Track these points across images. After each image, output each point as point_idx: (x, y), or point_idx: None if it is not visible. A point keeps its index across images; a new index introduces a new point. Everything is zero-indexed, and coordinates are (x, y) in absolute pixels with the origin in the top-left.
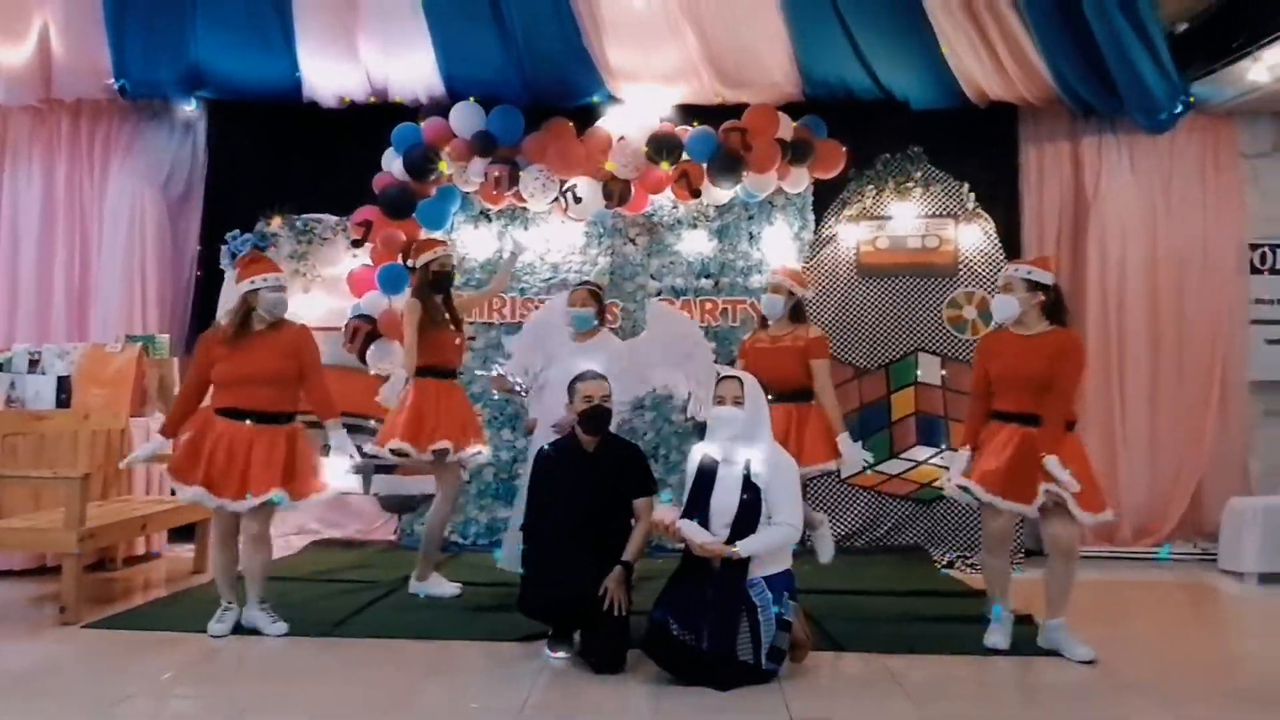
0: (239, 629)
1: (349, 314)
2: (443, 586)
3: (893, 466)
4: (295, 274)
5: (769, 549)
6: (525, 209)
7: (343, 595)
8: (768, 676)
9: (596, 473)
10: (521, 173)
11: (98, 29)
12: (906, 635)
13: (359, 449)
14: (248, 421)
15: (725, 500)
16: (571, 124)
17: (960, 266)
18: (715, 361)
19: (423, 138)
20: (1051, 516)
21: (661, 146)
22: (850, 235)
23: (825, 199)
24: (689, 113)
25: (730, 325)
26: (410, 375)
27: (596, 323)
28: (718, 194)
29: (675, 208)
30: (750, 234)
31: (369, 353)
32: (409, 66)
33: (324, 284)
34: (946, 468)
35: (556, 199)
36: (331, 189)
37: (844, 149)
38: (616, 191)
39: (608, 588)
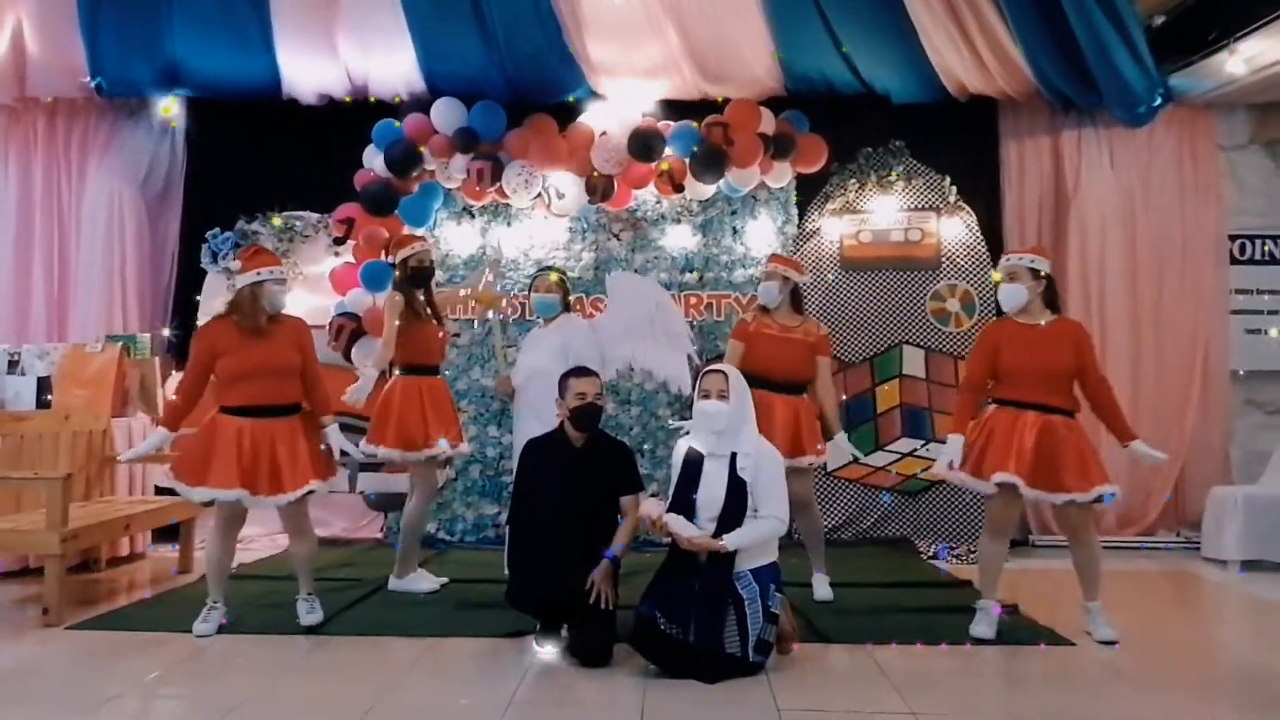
0: (220, 629)
1: (332, 312)
2: (420, 583)
3: (878, 459)
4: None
5: (755, 542)
6: (508, 205)
7: (328, 593)
8: (755, 669)
9: (584, 469)
10: (504, 169)
11: (72, 26)
12: (893, 626)
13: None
14: (266, 418)
15: (711, 494)
16: (554, 120)
17: (943, 259)
18: (700, 355)
19: (404, 134)
20: (1065, 506)
21: (646, 144)
22: (833, 229)
23: (808, 193)
24: (671, 108)
25: (715, 320)
26: (383, 369)
27: (561, 309)
28: (701, 189)
29: (659, 203)
30: (734, 229)
31: (354, 350)
32: (389, 63)
33: (306, 282)
34: (932, 460)
35: (539, 195)
36: (313, 186)
37: (826, 143)
38: (599, 187)
39: (594, 582)
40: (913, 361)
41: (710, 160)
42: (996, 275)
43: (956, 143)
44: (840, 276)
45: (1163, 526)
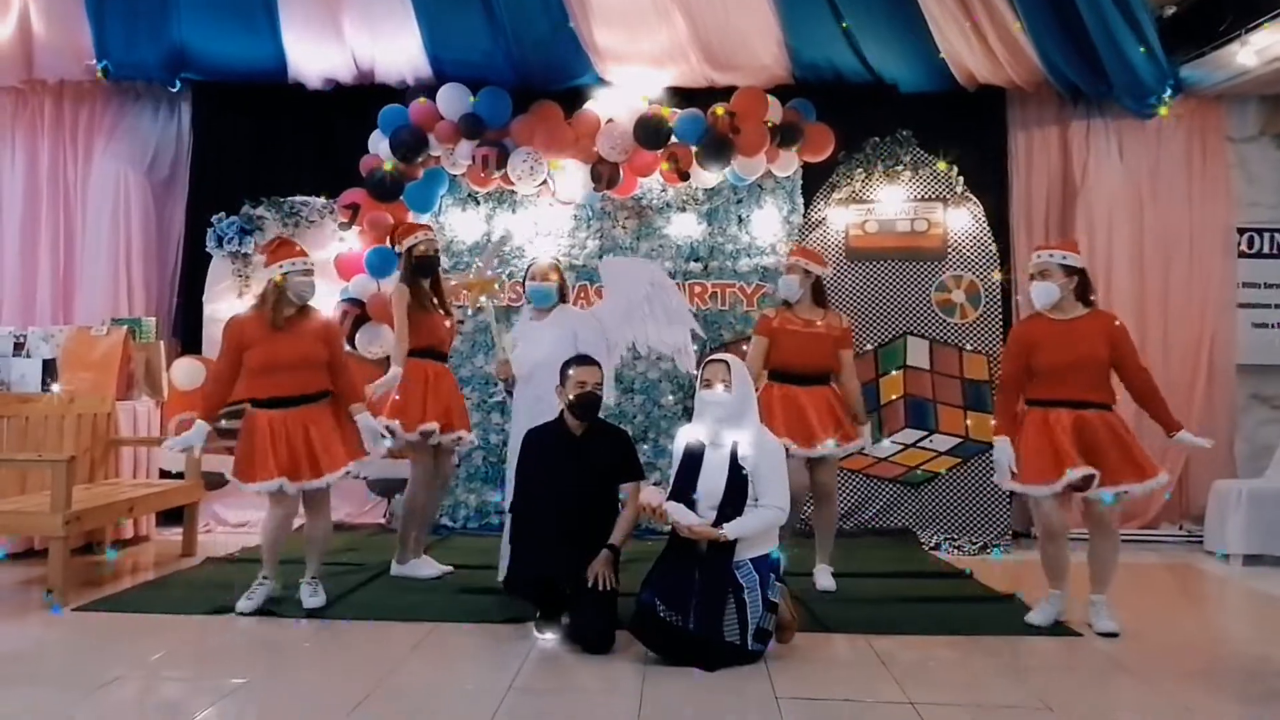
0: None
1: (337, 298)
2: (423, 569)
3: (883, 449)
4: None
5: (756, 531)
6: (513, 192)
7: (331, 578)
8: (754, 657)
9: (584, 457)
10: (509, 155)
11: (78, 9)
12: (893, 616)
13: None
14: (296, 407)
15: (712, 483)
16: (559, 107)
17: (949, 250)
18: (706, 343)
19: (410, 119)
20: (1093, 497)
21: (652, 131)
22: (839, 219)
23: (814, 182)
24: (678, 96)
25: (720, 309)
26: (401, 364)
27: (557, 298)
28: (706, 177)
29: (664, 191)
30: (739, 217)
31: (358, 336)
32: (395, 48)
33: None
34: (936, 451)
35: (544, 182)
36: (318, 171)
37: (833, 132)
38: (605, 175)
39: (594, 569)
40: (917, 352)
41: (716, 148)
42: (998, 274)
43: (964, 133)
44: (845, 266)
45: (1166, 520)
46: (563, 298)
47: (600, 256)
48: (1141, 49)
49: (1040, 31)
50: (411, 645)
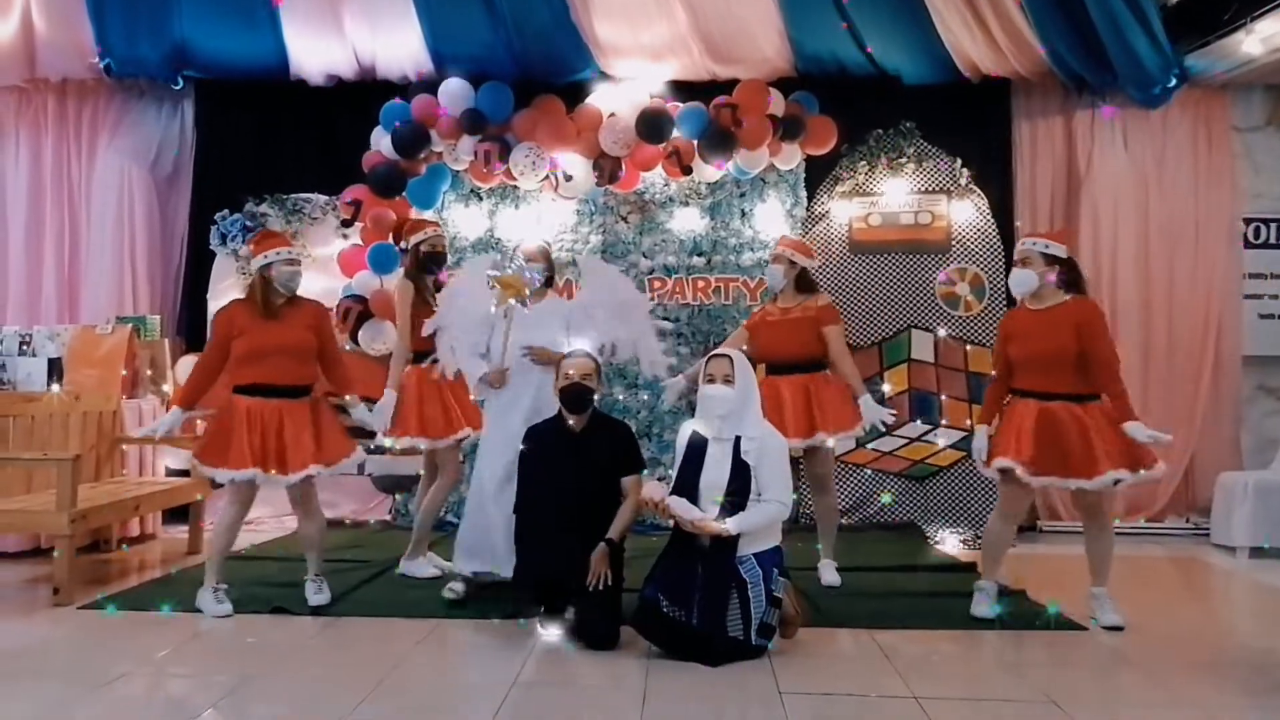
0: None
1: (340, 294)
2: (426, 568)
3: (886, 443)
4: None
5: (759, 526)
6: (515, 187)
7: (336, 575)
8: (758, 652)
9: (584, 452)
10: (512, 150)
11: (79, 7)
12: (898, 610)
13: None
14: (276, 399)
15: (715, 477)
16: (561, 101)
17: (953, 242)
18: (704, 337)
19: (411, 115)
20: (1078, 490)
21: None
22: (843, 212)
23: (817, 175)
24: (680, 89)
25: (723, 303)
26: (404, 361)
27: (543, 283)
28: (709, 171)
29: (667, 185)
30: (742, 211)
31: (361, 333)
32: (396, 43)
33: (314, 264)
34: (938, 445)
35: (547, 177)
36: (320, 168)
37: (836, 125)
38: (607, 169)
39: (593, 568)
40: (921, 346)
41: (719, 142)
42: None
43: (968, 124)
44: (849, 259)
45: (1172, 513)
46: (548, 283)
47: (604, 251)
48: (1146, 38)
49: (1044, 21)
50: (415, 641)
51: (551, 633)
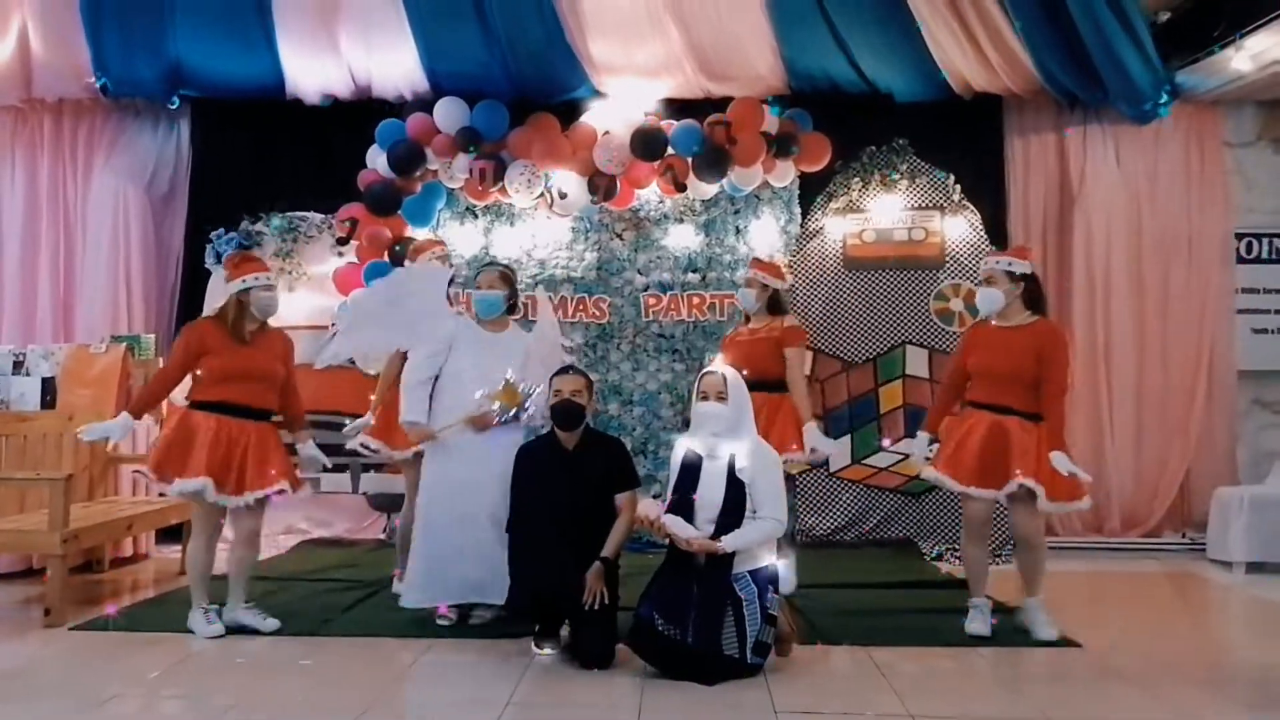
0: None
1: (335, 312)
2: None
3: (881, 459)
4: (281, 272)
5: (754, 543)
6: (511, 205)
7: (329, 594)
8: (753, 670)
9: (577, 470)
10: (507, 168)
11: (76, 27)
12: (893, 627)
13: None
14: (242, 419)
15: (710, 495)
16: (556, 119)
17: (947, 258)
18: (699, 353)
19: (407, 133)
20: (1017, 505)
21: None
22: (836, 228)
23: (811, 192)
24: (674, 107)
25: (718, 320)
26: (390, 381)
27: (505, 309)
28: (703, 188)
29: (661, 202)
30: (737, 228)
31: None
32: (392, 62)
33: (310, 282)
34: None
35: (542, 194)
36: (316, 186)
37: (829, 142)
38: (602, 186)
39: (588, 588)
40: (916, 361)
41: (713, 159)
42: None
43: (961, 141)
44: (843, 276)
45: (1168, 528)
46: (511, 309)
47: (598, 269)
48: (1137, 54)
49: (1036, 39)
50: (409, 661)
51: (546, 652)
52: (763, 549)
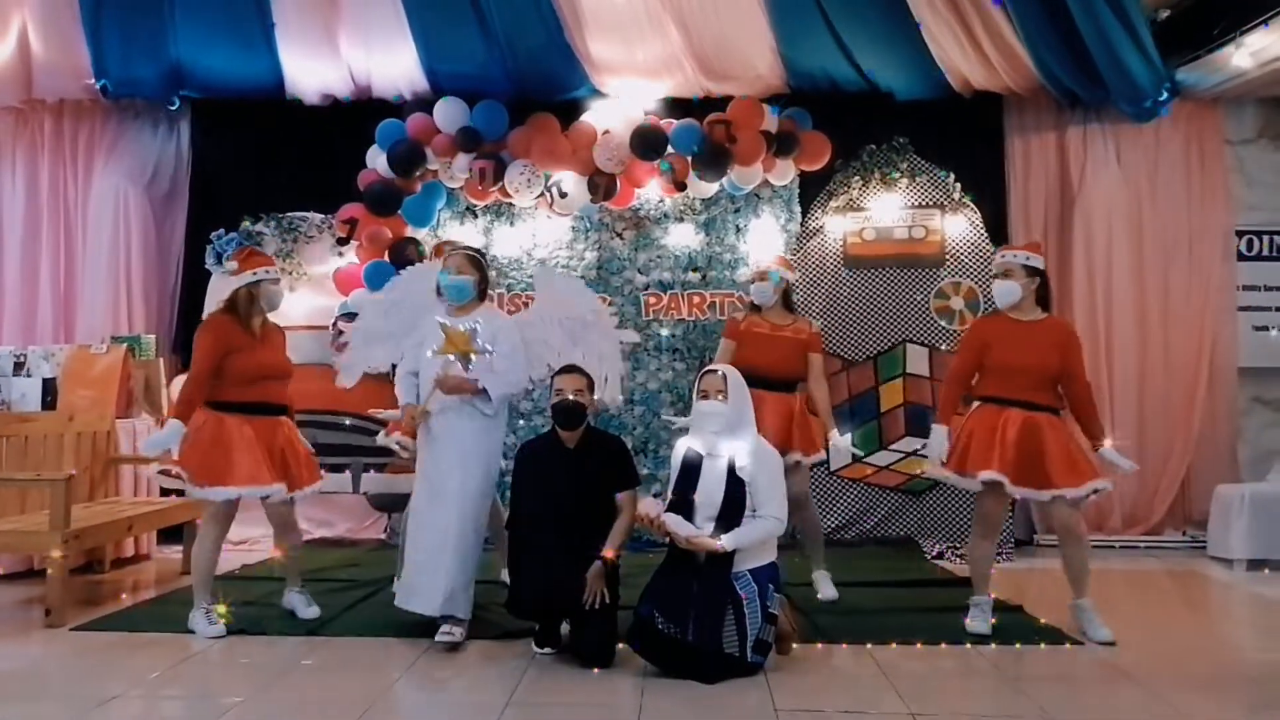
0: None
1: (335, 312)
2: None
3: (882, 458)
4: (281, 272)
5: (754, 542)
6: (511, 204)
7: (330, 594)
8: (754, 669)
9: (577, 468)
10: (507, 168)
11: (76, 28)
12: (894, 626)
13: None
14: (272, 416)
15: (710, 494)
16: (556, 119)
17: (947, 257)
18: (699, 352)
19: (407, 133)
20: (1053, 503)
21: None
22: (837, 227)
23: (811, 191)
24: (674, 106)
25: (719, 318)
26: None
27: (475, 294)
28: (704, 187)
29: (661, 201)
30: (737, 227)
31: None
32: (391, 62)
33: (310, 282)
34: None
35: (542, 194)
36: (316, 186)
37: (829, 141)
38: (602, 186)
39: (589, 587)
40: (916, 360)
41: (713, 158)
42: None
43: (961, 140)
44: (844, 274)
45: (1169, 526)
46: (481, 295)
47: (599, 268)
48: (1137, 52)
49: (1035, 38)
50: (410, 660)
51: (546, 652)
52: (763, 547)
